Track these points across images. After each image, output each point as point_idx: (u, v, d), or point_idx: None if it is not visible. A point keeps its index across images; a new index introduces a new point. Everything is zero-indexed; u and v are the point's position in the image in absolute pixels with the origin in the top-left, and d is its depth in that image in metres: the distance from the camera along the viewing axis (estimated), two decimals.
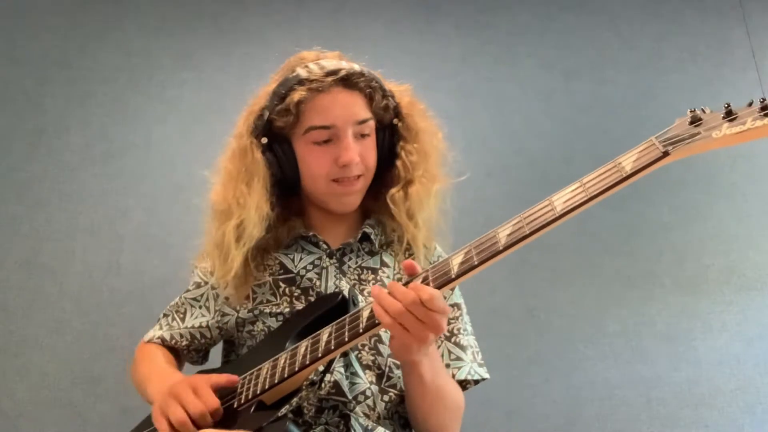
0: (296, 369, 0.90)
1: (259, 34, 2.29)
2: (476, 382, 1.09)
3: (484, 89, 2.35)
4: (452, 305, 1.15)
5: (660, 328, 2.06)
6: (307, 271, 1.12)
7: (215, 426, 0.89)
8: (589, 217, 2.16)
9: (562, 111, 2.33)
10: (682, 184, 2.23)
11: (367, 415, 1.02)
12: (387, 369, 1.05)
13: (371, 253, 1.16)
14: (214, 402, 0.90)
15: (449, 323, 1.11)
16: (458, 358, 1.08)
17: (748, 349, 2.04)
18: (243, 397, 0.94)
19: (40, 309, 1.90)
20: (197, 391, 0.92)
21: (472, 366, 1.08)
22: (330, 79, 1.06)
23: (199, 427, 0.89)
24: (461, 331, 1.12)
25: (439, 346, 1.09)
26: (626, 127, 2.26)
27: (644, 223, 2.19)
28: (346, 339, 0.87)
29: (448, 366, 1.07)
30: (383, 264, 1.15)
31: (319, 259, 1.13)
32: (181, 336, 1.16)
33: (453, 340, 1.10)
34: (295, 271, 1.12)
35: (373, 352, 1.05)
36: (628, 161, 0.74)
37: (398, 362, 1.06)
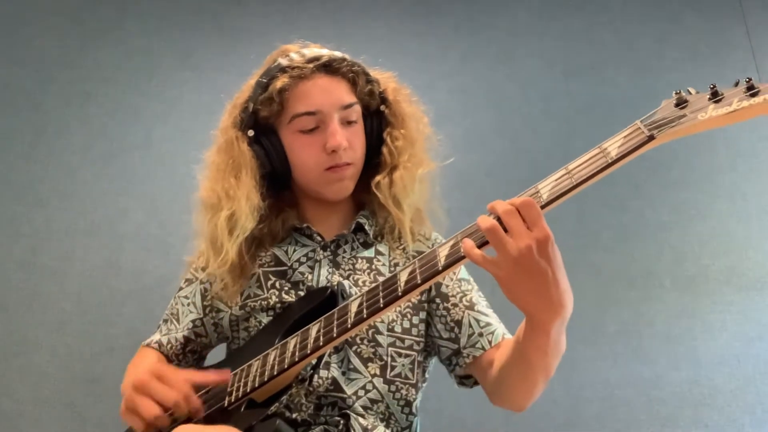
0: (285, 366, 0.90)
1: (259, 34, 2.29)
2: None
3: (484, 89, 2.35)
4: (462, 280, 1.13)
5: (660, 328, 2.06)
6: (300, 264, 1.11)
7: (209, 422, 0.89)
8: (588, 217, 2.17)
9: (562, 111, 2.33)
10: (682, 184, 2.22)
11: (368, 409, 1.02)
12: (389, 359, 1.05)
13: (365, 245, 1.15)
14: (184, 389, 0.89)
15: (466, 294, 1.10)
16: (488, 324, 1.07)
17: (748, 349, 2.03)
18: (233, 395, 0.94)
19: (40, 309, 1.90)
20: (163, 378, 0.90)
21: (502, 328, 1.08)
22: (312, 65, 1.07)
23: (175, 418, 0.88)
24: (480, 299, 1.12)
25: (462, 317, 1.08)
26: (626, 127, 2.25)
27: (644, 222, 2.19)
28: (335, 335, 0.87)
29: (481, 335, 1.06)
30: (378, 253, 1.14)
31: (313, 251, 1.12)
32: (176, 339, 1.16)
33: (476, 308, 1.09)
34: (288, 264, 1.12)
35: (372, 344, 1.05)
36: (613, 146, 0.74)
37: (400, 351, 1.05)
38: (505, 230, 0.73)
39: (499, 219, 0.74)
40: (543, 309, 0.78)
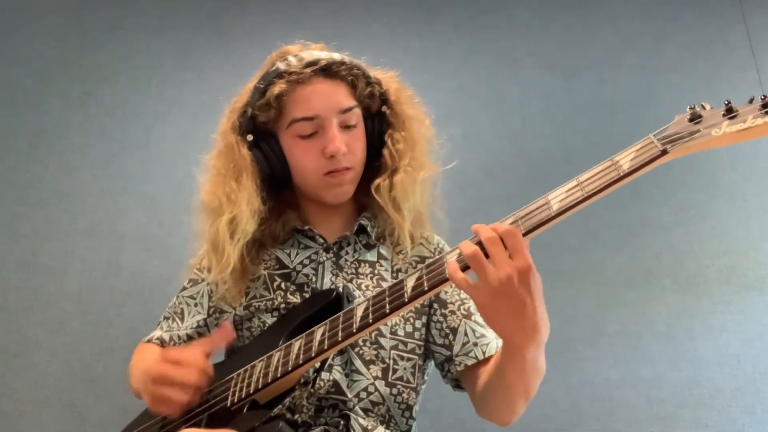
0: (289, 369, 0.90)
1: (259, 34, 2.29)
2: None
3: (484, 89, 2.35)
4: None
5: (660, 328, 2.06)
6: (304, 266, 1.11)
7: (210, 425, 0.89)
8: (589, 217, 2.17)
9: (562, 111, 2.33)
10: (682, 184, 2.22)
11: (369, 411, 1.02)
12: (391, 362, 1.05)
13: (368, 246, 1.15)
14: (200, 361, 0.91)
15: (464, 303, 1.10)
16: (483, 335, 1.07)
17: (748, 349, 2.03)
18: (236, 395, 0.93)
19: (40, 309, 1.90)
20: (178, 362, 0.91)
21: (496, 341, 1.07)
22: (309, 69, 1.06)
23: (200, 389, 0.90)
24: (477, 310, 1.11)
25: (458, 325, 1.08)
26: (626, 127, 2.25)
27: (644, 223, 2.18)
28: (340, 339, 0.87)
29: (475, 344, 1.06)
30: (380, 257, 1.14)
31: (316, 253, 1.12)
32: (179, 338, 1.16)
33: (473, 318, 1.09)
34: (291, 267, 1.12)
35: (375, 346, 1.05)
36: (625, 160, 0.73)
37: (402, 354, 1.05)
38: (487, 256, 0.74)
39: (480, 244, 0.75)
40: (517, 334, 0.79)
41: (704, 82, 2.37)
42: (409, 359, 1.06)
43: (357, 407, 1.01)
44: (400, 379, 1.05)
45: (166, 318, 1.20)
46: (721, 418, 1.95)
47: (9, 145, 2.07)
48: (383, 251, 1.15)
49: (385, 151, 1.13)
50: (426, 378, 1.15)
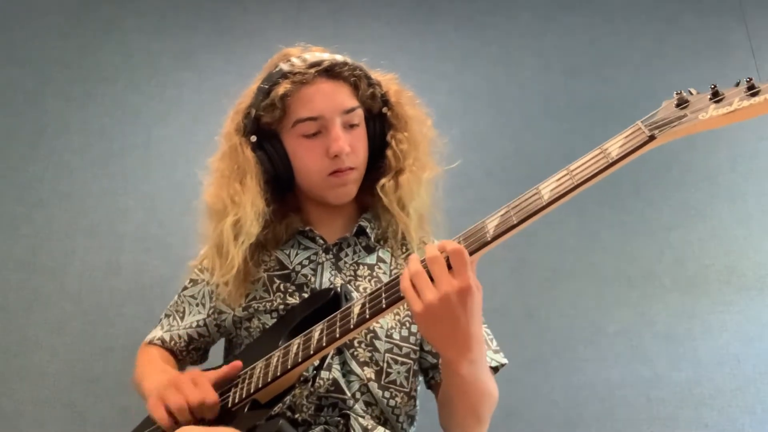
0: (288, 367, 0.90)
1: (259, 34, 2.29)
2: (496, 369, 1.09)
3: (484, 89, 2.35)
4: None
5: (660, 328, 2.05)
6: (303, 266, 1.12)
7: (212, 424, 0.89)
8: (589, 217, 2.17)
9: (562, 111, 2.33)
10: (683, 184, 2.22)
11: (365, 411, 1.02)
12: (385, 365, 1.05)
13: (368, 249, 1.16)
14: (213, 395, 0.91)
15: None
16: None
17: (748, 349, 2.03)
18: (237, 396, 0.94)
19: (40, 309, 1.90)
20: (197, 382, 0.92)
21: (488, 354, 1.07)
22: (313, 70, 1.07)
23: (196, 417, 0.90)
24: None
25: None
26: (626, 127, 2.25)
27: (644, 223, 2.18)
28: (338, 335, 0.87)
29: None
30: (380, 260, 1.14)
31: (315, 254, 1.13)
32: (180, 337, 1.16)
33: None
34: (291, 267, 1.12)
35: (369, 348, 1.05)
36: (614, 147, 0.74)
37: (396, 358, 1.06)
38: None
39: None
40: (449, 348, 0.82)
41: (704, 82, 2.35)
42: (403, 363, 1.07)
43: (356, 406, 1.01)
44: (393, 382, 1.05)
45: (167, 315, 1.21)
46: (721, 418, 1.95)
47: (9, 145, 2.07)
48: (382, 255, 1.15)
49: (389, 152, 1.14)
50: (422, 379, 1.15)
